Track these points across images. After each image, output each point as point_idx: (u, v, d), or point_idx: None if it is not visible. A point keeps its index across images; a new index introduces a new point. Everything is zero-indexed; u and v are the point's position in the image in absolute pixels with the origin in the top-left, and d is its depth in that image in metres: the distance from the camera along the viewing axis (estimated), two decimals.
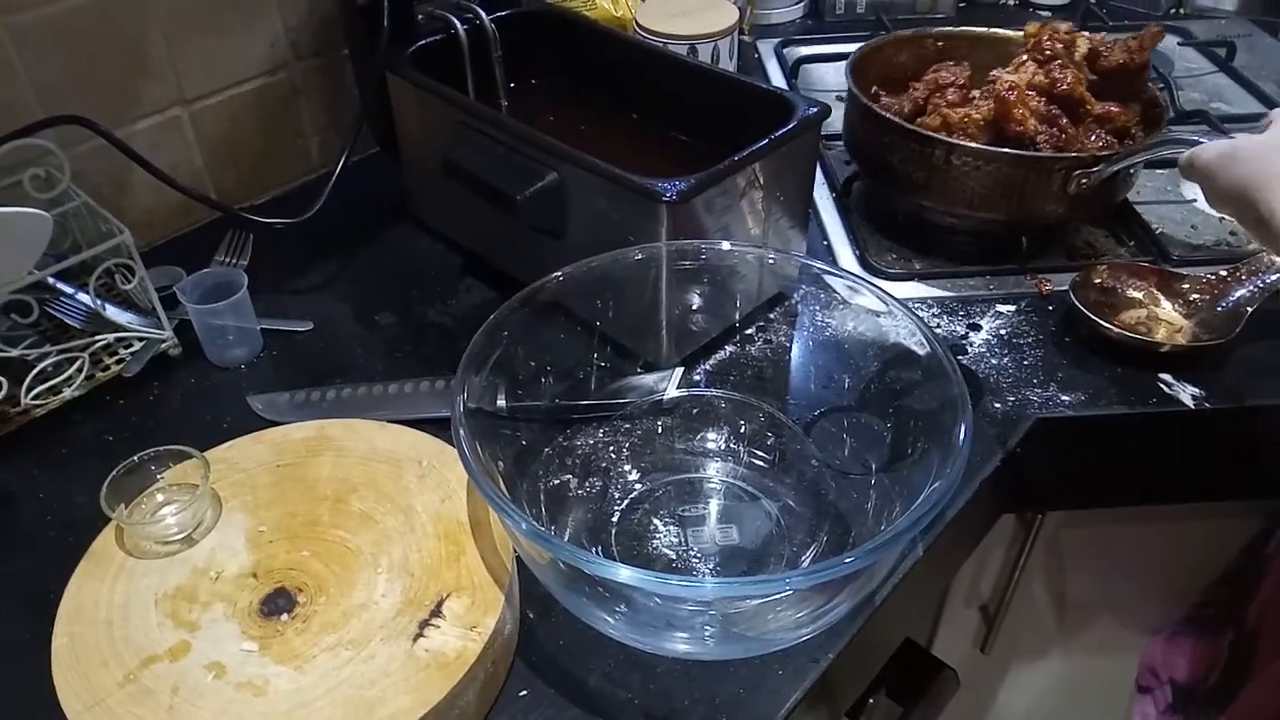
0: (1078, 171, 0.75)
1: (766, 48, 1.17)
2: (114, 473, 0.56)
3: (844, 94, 1.09)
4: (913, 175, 0.80)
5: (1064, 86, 0.79)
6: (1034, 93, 0.79)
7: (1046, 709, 1.03)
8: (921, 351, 0.59)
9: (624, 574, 0.45)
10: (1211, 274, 0.76)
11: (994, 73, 0.84)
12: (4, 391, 0.65)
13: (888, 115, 0.80)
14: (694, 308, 0.68)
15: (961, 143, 0.77)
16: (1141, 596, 0.91)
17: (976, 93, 0.83)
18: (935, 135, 0.78)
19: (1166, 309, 0.76)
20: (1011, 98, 0.77)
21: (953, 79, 0.85)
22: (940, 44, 0.93)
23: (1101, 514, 0.83)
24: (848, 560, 0.45)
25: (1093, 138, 0.79)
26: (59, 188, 0.70)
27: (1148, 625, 0.92)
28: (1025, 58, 0.83)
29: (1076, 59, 0.82)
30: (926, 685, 0.79)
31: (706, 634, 0.52)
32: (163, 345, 0.74)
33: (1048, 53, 0.82)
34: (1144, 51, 0.82)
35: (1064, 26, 0.84)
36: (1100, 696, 1.00)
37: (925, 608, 0.88)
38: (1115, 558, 0.88)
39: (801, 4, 1.24)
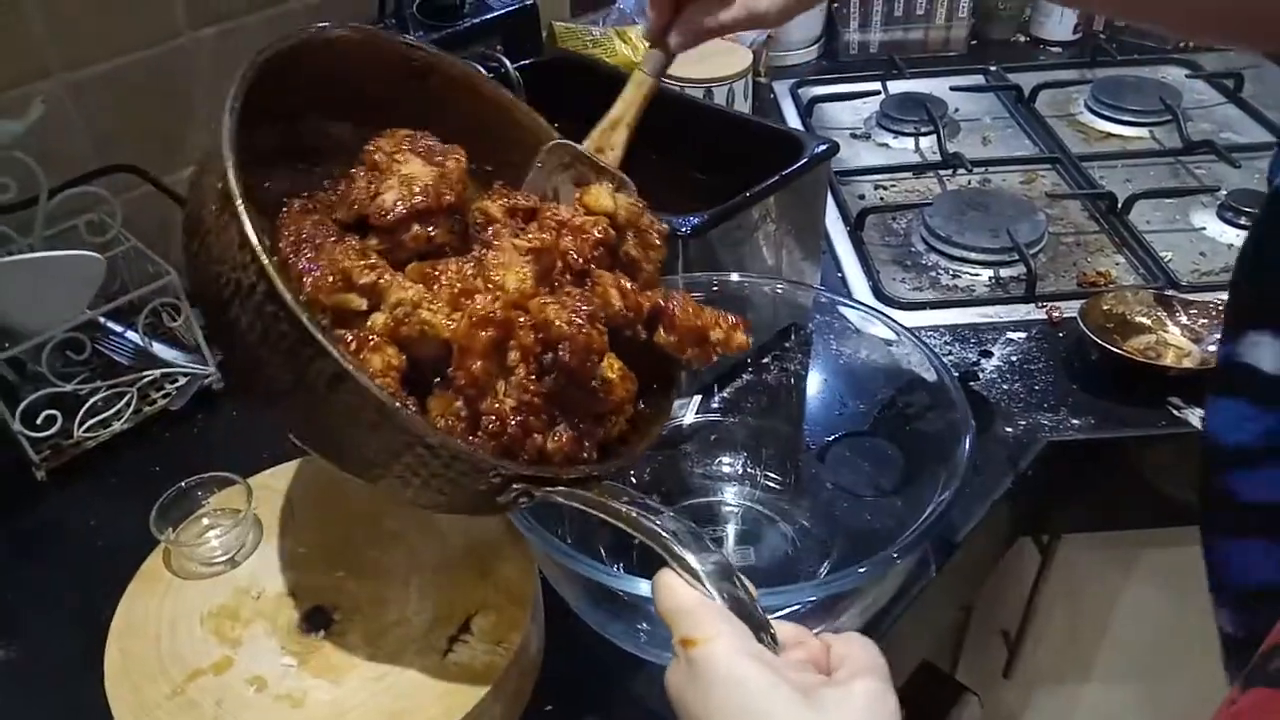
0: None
1: (782, 88, 1.20)
2: (162, 498, 0.59)
3: (857, 131, 1.13)
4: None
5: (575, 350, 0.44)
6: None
7: None
8: (930, 378, 0.61)
9: (645, 586, 0.47)
10: (1219, 299, 0.78)
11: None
12: (59, 425, 0.69)
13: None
14: None
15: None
16: (1162, 620, 0.91)
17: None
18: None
19: (1174, 334, 0.77)
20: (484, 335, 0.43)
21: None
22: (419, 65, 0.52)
23: (1118, 537, 0.84)
24: (861, 571, 0.47)
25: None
26: (110, 232, 0.74)
27: (1167, 649, 0.93)
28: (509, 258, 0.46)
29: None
30: (947, 708, 0.80)
31: None
32: (206, 380, 0.77)
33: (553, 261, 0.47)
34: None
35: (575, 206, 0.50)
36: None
37: (945, 632, 0.89)
38: (1132, 581, 0.89)
39: (816, 46, 1.28)
